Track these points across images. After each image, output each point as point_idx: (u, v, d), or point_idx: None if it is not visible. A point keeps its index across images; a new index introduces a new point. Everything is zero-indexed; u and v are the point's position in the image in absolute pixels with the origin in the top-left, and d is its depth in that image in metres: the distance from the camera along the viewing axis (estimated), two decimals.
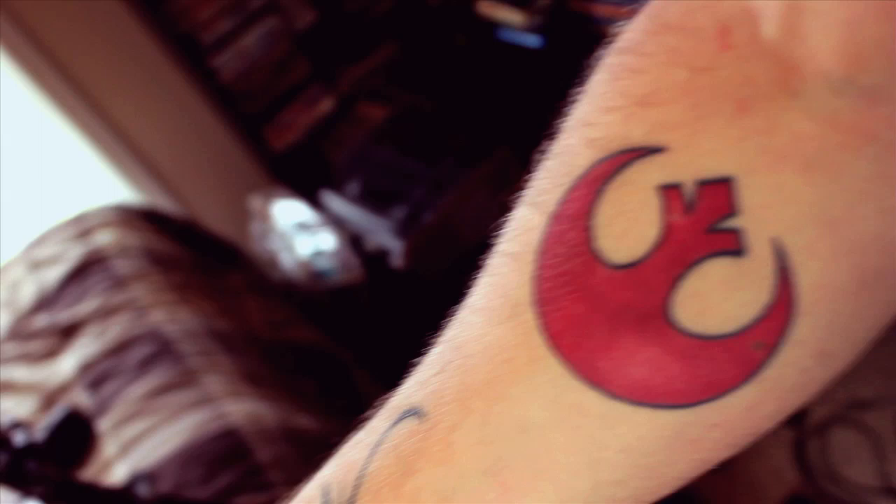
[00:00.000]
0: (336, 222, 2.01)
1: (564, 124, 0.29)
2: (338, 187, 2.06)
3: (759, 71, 0.25)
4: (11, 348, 1.68)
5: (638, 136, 0.26)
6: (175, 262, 1.79)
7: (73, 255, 1.80)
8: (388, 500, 0.31)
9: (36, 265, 1.85)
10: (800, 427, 1.61)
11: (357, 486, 0.32)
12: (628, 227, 0.26)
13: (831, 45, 0.24)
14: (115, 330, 1.58)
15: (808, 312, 0.25)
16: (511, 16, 1.74)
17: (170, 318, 1.57)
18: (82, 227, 1.90)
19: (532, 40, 1.78)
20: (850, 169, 0.24)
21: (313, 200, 2.11)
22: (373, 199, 1.95)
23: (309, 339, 1.73)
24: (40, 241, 1.93)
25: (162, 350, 1.49)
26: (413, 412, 0.31)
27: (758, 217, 0.25)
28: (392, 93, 2.26)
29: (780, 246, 0.25)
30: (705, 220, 0.25)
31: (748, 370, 0.26)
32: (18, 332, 1.70)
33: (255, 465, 1.21)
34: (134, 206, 2.04)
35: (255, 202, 2.19)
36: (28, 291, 1.78)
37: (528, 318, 0.28)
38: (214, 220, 2.28)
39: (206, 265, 1.87)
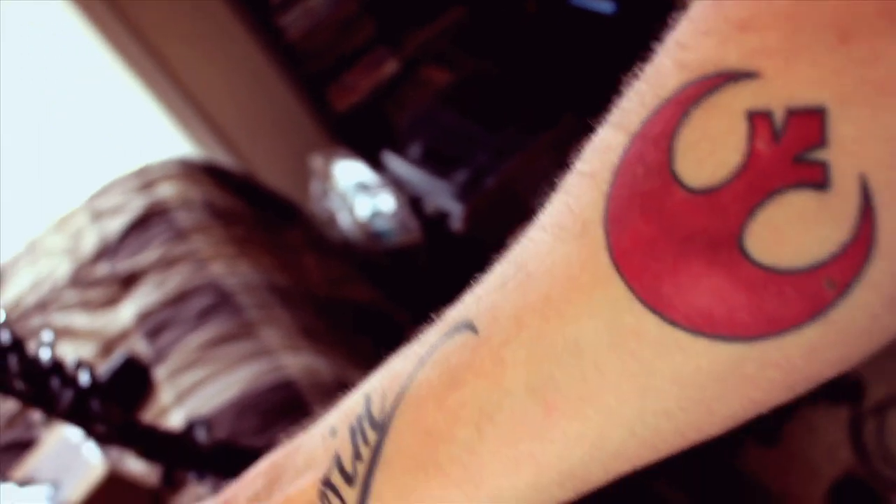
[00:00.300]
0: (396, 184, 2.00)
1: (658, 47, 0.28)
2: (399, 149, 2.04)
3: (866, 1, 0.23)
4: (72, 295, 1.69)
5: (732, 60, 0.25)
6: (235, 217, 1.79)
7: (135, 206, 1.81)
8: (431, 412, 0.31)
9: (98, 215, 1.86)
10: (857, 407, 1.58)
11: (400, 396, 0.32)
12: (712, 151, 0.25)
13: None
14: (174, 280, 1.58)
15: (885, 256, 0.24)
16: None
17: (229, 270, 1.57)
18: (145, 179, 1.91)
19: (605, 6, 1.75)
20: None
21: (374, 162, 2.10)
22: (434, 162, 1.94)
23: (366, 299, 1.72)
24: (104, 191, 1.95)
25: (220, 302, 1.49)
26: (467, 326, 0.31)
27: (847, 151, 0.23)
28: (457, 57, 2.24)
29: (866, 183, 0.23)
30: (792, 150, 0.24)
31: (815, 308, 0.25)
32: (80, 279, 1.72)
33: (310, 417, 1.20)
34: (196, 161, 2.05)
35: (316, 161, 2.19)
36: (90, 240, 1.80)
37: (597, 237, 0.27)
38: (275, 178, 2.28)
39: (266, 220, 1.87)
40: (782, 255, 0.24)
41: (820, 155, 0.24)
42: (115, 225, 1.79)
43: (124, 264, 1.69)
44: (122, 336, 1.55)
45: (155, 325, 1.52)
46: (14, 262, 1.94)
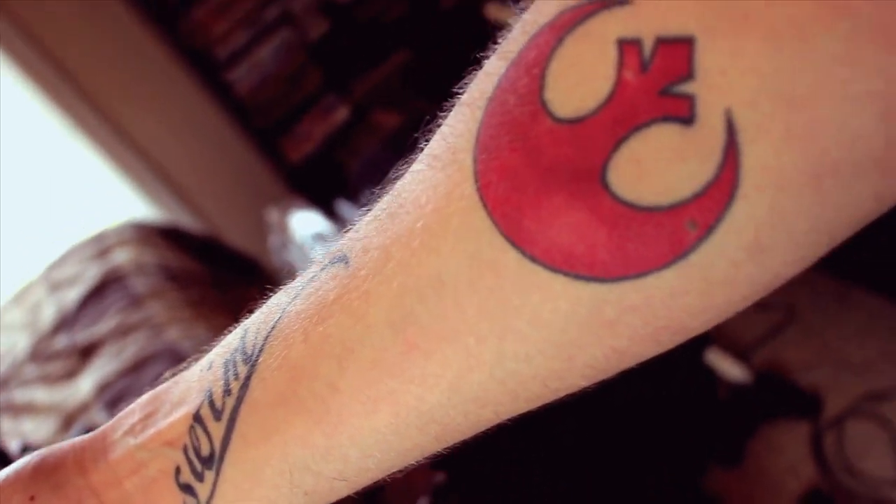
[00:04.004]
0: None
1: None
2: (353, 197, 2.06)
3: None
4: (32, 370, 1.69)
5: None
6: (192, 279, 1.80)
7: (91, 274, 1.82)
8: (297, 346, 0.30)
9: (56, 286, 1.87)
10: (816, 421, 1.60)
11: (271, 329, 0.32)
12: (580, 79, 0.24)
13: None
14: (131, 349, 1.59)
15: (748, 197, 0.23)
16: None
17: (185, 334, 1.58)
18: (101, 245, 1.92)
19: None
20: (819, 44, 0.22)
21: (330, 210, 2.12)
22: None
23: None
24: (60, 261, 1.95)
25: (177, 366, 1.50)
26: (341, 258, 0.30)
27: (713, 84, 0.23)
28: (406, 100, 2.26)
29: (731, 119, 0.23)
30: (659, 81, 0.23)
31: (676, 250, 0.24)
32: (39, 353, 1.72)
33: None
34: (151, 223, 2.06)
35: (272, 215, 2.20)
36: (48, 312, 1.80)
37: (466, 166, 0.26)
38: (234, 233, 2.29)
39: (223, 280, 1.88)
40: (645, 191, 0.24)
41: (687, 88, 0.23)
42: (73, 295, 1.80)
43: (82, 335, 1.69)
44: (82, 409, 1.55)
45: (113, 395, 1.52)
46: None
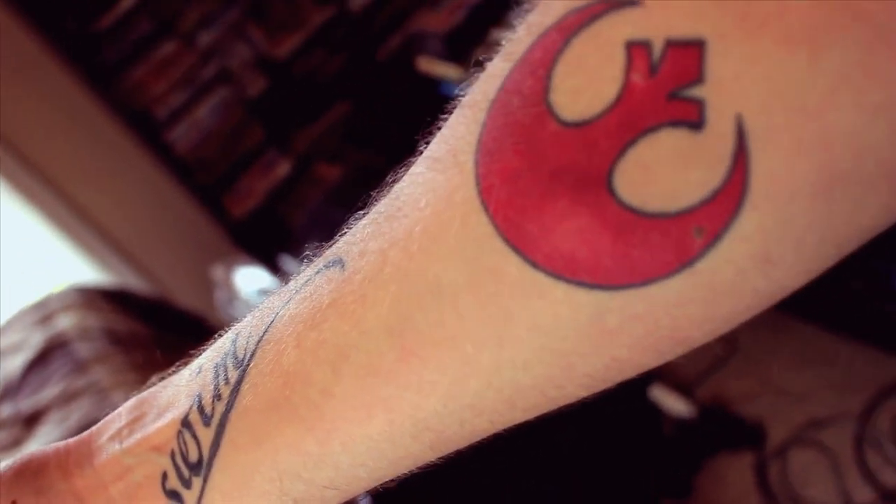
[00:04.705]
0: None
1: None
2: (296, 251, 2.07)
3: None
4: None
5: None
6: (136, 341, 1.79)
7: (35, 341, 1.81)
8: (290, 350, 0.30)
9: (0, 354, 1.85)
10: (760, 451, 1.62)
11: (264, 333, 0.31)
12: (587, 82, 0.24)
13: None
14: (76, 415, 1.58)
15: (757, 206, 0.23)
16: (449, 71, 1.76)
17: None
18: (44, 311, 1.90)
19: None
20: (834, 50, 0.21)
21: (274, 265, 2.12)
22: None
23: None
24: (4, 328, 1.94)
25: None
26: (337, 261, 0.30)
27: (724, 89, 0.22)
28: (347, 152, 2.28)
29: (742, 125, 0.22)
30: (668, 85, 0.23)
31: (682, 258, 0.23)
32: None
33: None
34: (95, 286, 2.05)
35: (217, 272, 2.20)
36: None
37: (467, 169, 0.26)
38: (181, 291, 2.28)
39: (169, 341, 1.87)
40: (651, 197, 0.23)
41: (696, 92, 0.22)
42: (17, 363, 1.78)
43: (27, 403, 1.68)
44: None
45: None
46: None
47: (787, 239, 0.23)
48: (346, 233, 0.31)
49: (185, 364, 0.36)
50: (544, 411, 0.28)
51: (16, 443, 1.63)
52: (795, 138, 0.22)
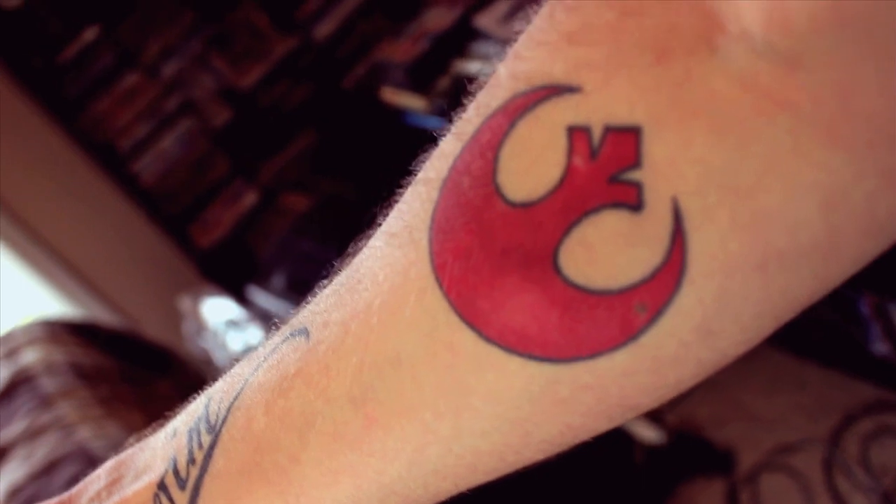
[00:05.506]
0: (263, 317, 2.02)
1: (500, 58, 0.28)
2: (264, 282, 2.07)
3: (686, 21, 0.24)
4: None
5: (559, 72, 0.25)
6: (102, 375, 1.78)
7: (0, 376, 1.79)
8: (259, 417, 0.30)
9: None
10: (731, 477, 1.63)
11: (234, 399, 0.32)
12: (531, 164, 0.25)
13: (758, 4, 0.22)
14: (42, 451, 1.56)
15: (695, 282, 0.24)
16: (413, 101, 1.77)
17: (97, 433, 1.56)
18: (9, 345, 1.89)
19: (435, 123, 1.81)
20: (762, 136, 0.23)
21: (242, 296, 2.12)
22: (298, 292, 1.96)
23: None
24: None
25: (88, 467, 1.47)
26: (302, 330, 0.30)
27: (660, 173, 0.23)
28: (313, 181, 2.28)
29: (677, 207, 0.23)
30: (608, 169, 0.24)
31: (627, 333, 0.24)
32: None
33: None
34: (61, 320, 2.03)
35: (184, 303, 2.20)
36: None
37: (422, 246, 0.27)
38: (148, 322, 2.27)
39: (135, 374, 1.86)
40: (595, 275, 0.24)
41: (634, 175, 0.23)
42: None
43: None
44: None
45: (24, 500, 1.50)
46: None
47: (726, 312, 0.24)
48: (310, 301, 0.32)
49: (161, 426, 0.37)
50: (505, 473, 0.30)
51: None
52: (729, 218, 0.23)
